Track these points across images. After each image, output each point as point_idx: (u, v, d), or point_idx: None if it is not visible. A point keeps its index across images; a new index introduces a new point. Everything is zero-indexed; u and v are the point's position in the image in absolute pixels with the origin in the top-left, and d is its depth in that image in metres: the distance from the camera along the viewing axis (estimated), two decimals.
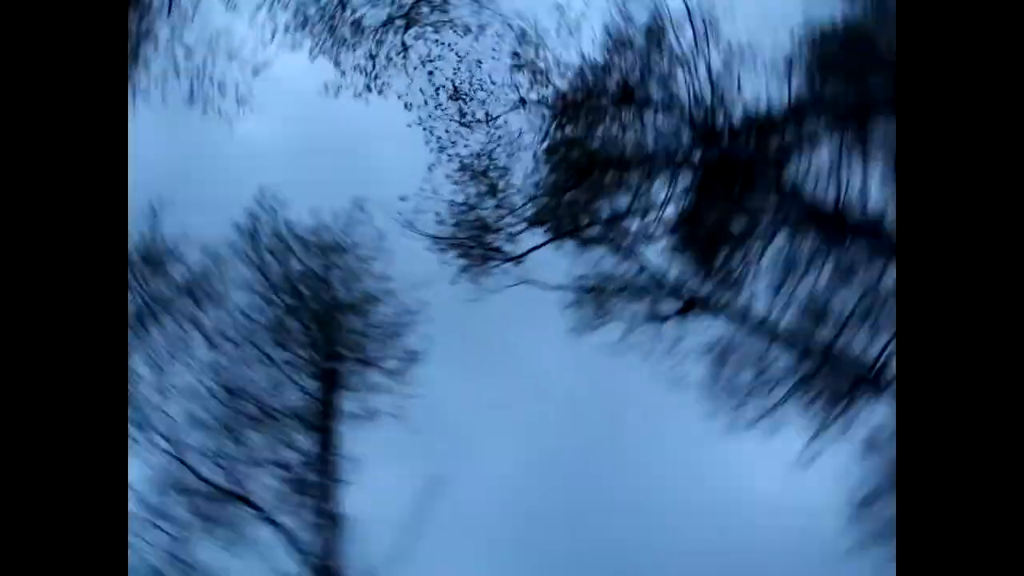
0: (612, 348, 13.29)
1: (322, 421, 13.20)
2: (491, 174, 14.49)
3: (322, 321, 14.06)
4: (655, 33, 13.45)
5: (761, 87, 12.84)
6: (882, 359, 11.85)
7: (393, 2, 14.08)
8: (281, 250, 14.13)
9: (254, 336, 13.45)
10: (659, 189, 13.74)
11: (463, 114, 14.44)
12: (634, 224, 13.89)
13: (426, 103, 14.39)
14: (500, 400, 13.36)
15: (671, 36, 13.28)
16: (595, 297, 13.87)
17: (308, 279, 14.25)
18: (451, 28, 14.10)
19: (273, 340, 13.57)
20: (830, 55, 12.14)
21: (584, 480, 12.96)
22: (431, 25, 14.07)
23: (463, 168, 14.55)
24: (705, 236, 13.47)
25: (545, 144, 14.24)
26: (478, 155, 14.50)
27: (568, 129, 14.20)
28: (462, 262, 14.28)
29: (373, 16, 14.09)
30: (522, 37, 14.02)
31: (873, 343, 12.08)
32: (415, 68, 14.24)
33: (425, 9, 14.02)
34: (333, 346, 13.96)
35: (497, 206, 14.48)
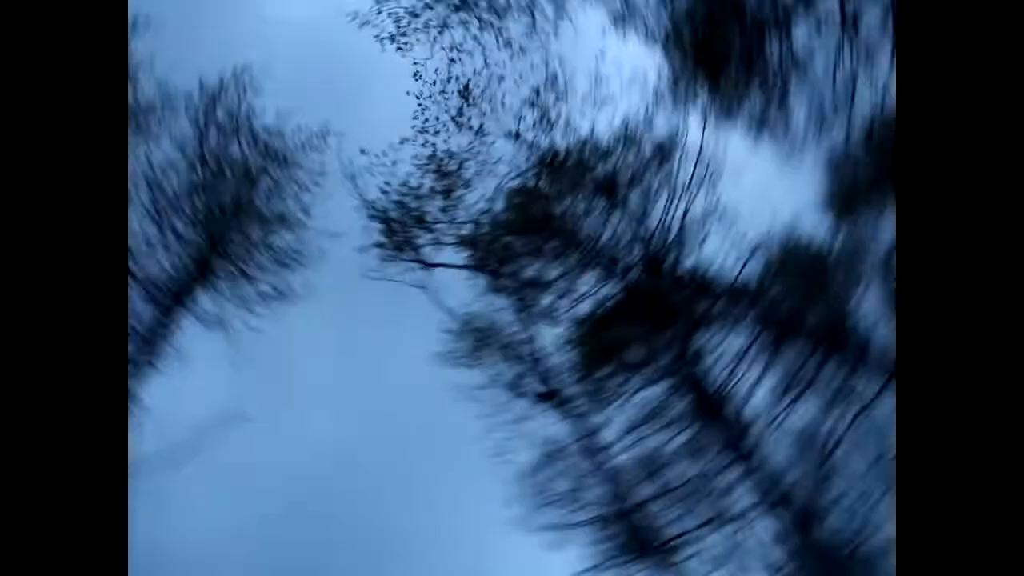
0: (461, 390, 13.29)
1: (169, 301, 12.82)
2: (452, 179, 14.43)
3: (226, 212, 13.74)
4: (663, 151, 13.63)
5: (721, 253, 13.08)
6: (676, 541, 12.10)
7: None
8: (230, 129, 13.77)
9: (155, 190, 13.04)
10: (585, 282, 13.87)
11: (460, 113, 14.39)
12: (546, 298, 13.97)
13: (434, 83, 14.30)
14: (336, 374, 13.31)
15: (675, 162, 13.48)
16: (474, 339, 13.87)
17: (238, 168, 13.91)
18: (495, 35, 14.04)
19: (171, 204, 13.17)
20: (792, 265, 12.47)
21: (363, 486, 12.89)
22: (480, 21, 13.98)
23: (431, 158, 14.46)
24: (598, 346, 13.60)
25: (514, 183, 14.26)
26: (451, 156, 14.44)
27: (541, 183, 14.26)
28: (379, 238, 14.16)
29: None
30: (551, 81, 14.06)
31: (677, 522, 12.33)
32: (442, 48, 14.14)
33: (484, 4, 13.93)
34: (222, 241, 13.64)
35: (441, 209, 14.42)
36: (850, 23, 11.18)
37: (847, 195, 11.75)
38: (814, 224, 12.32)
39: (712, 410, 12.56)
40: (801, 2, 11.66)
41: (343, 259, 13.87)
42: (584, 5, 13.31)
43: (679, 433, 12.68)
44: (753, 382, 12.33)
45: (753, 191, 12.71)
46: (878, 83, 11.29)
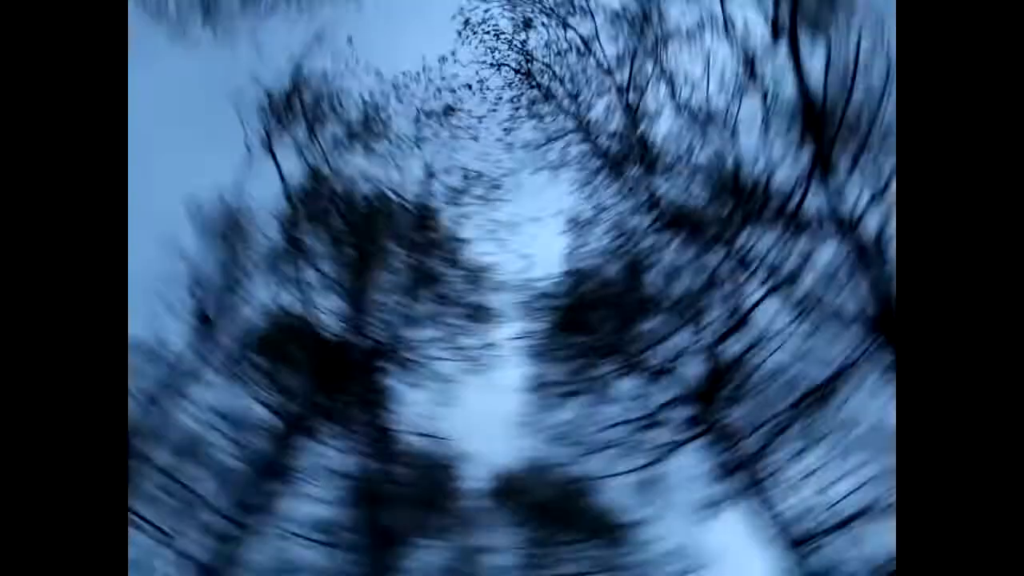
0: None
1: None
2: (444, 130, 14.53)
3: None
4: (476, 314, 14.35)
5: (454, 430, 13.34)
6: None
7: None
8: None
9: None
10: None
11: (452, 110, 14.43)
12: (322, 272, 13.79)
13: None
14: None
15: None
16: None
17: None
18: (542, 103, 14.67)
19: None
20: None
21: None
22: (552, 103, 14.41)
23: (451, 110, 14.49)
24: (290, 354, 13.28)
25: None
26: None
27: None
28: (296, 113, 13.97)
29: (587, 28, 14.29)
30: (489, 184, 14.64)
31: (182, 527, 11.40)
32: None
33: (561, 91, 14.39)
34: None
35: (396, 135, 14.39)
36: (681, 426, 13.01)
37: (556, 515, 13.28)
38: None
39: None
40: (661, 376, 13.32)
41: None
42: (584, 189, 14.30)
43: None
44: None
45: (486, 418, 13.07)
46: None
